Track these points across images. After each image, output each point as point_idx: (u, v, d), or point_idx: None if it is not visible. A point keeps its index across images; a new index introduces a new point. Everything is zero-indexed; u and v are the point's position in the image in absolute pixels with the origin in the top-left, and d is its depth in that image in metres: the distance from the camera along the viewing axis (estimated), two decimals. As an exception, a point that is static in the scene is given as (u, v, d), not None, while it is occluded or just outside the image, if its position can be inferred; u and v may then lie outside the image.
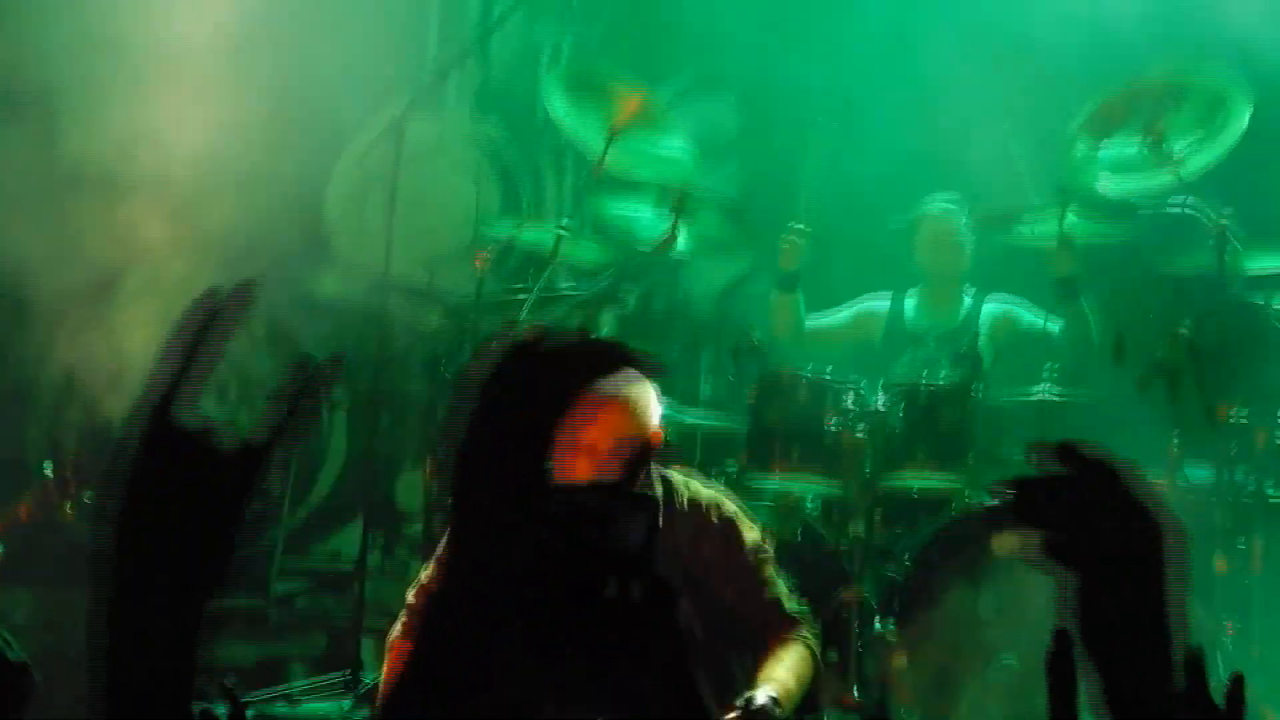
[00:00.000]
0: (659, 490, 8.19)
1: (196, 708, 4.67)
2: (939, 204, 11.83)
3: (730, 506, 8.43)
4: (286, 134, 11.96)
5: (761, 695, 7.86)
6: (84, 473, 10.48)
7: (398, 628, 8.44)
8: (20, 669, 4.88)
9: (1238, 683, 4.12)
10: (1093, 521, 3.01)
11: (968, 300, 11.82)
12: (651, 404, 8.12)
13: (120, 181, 11.74)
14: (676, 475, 8.47)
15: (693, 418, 11.31)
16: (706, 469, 9.92)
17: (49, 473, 10.30)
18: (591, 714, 3.20)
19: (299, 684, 11.58)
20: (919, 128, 12.42)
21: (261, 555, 12.94)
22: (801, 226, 11.87)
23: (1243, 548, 10.58)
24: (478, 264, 11.82)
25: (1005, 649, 10.03)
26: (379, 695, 8.93)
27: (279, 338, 13.14)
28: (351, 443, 13.44)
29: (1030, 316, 11.69)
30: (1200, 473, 10.79)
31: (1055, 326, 11.64)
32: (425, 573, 8.66)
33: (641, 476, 8.07)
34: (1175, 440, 10.75)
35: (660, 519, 3.28)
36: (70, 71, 12.10)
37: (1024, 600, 10.17)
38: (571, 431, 7.42)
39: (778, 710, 8.11)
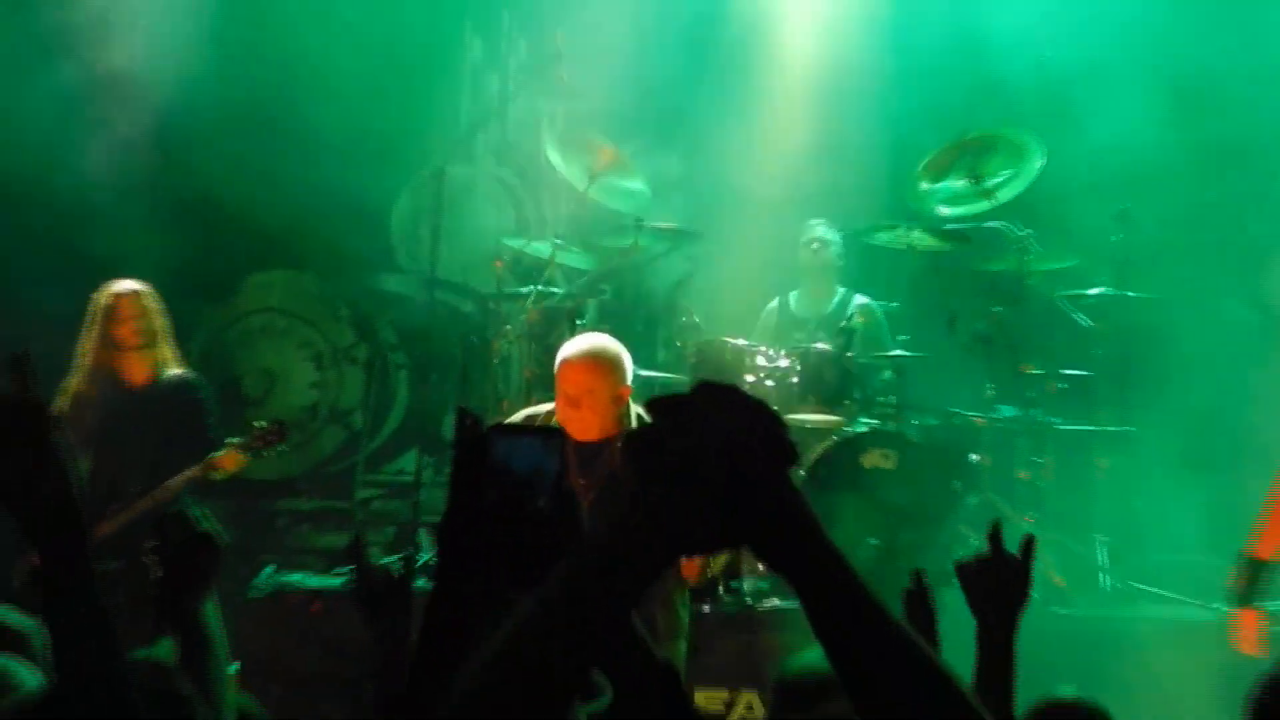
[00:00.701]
0: (634, 424, 8.30)
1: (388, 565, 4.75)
2: (817, 225, 12.17)
3: None
4: (365, 169, 12.49)
5: None
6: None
7: None
8: (211, 538, 4.86)
9: (1029, 543, 4.53)
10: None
11: (840, 294, 12.09)
12: (601, 358, 8.42)
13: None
14: (644, 410, 9.04)
15: (651, 374, 11.12)
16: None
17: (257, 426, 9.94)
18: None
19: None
20: (807, 170, 12.42)
21: (348, 471, 13.25)
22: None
23: (1039, 461, 11.30)
24: (498, 267, 12.04)
25: (870, 534, 10.56)
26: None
27: (359, 319, 13.58)
28: (411, 393, 13.50)
29: (881, 306, 12.07)
30: (1008, 410, 11.47)
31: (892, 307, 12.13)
32: None
33: (621, 419, 8.41)
34: (990, 388, 11.61)
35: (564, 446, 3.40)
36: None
37: (883, 500, 10.62)
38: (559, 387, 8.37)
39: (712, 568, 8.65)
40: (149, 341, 9.79)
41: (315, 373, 13.48)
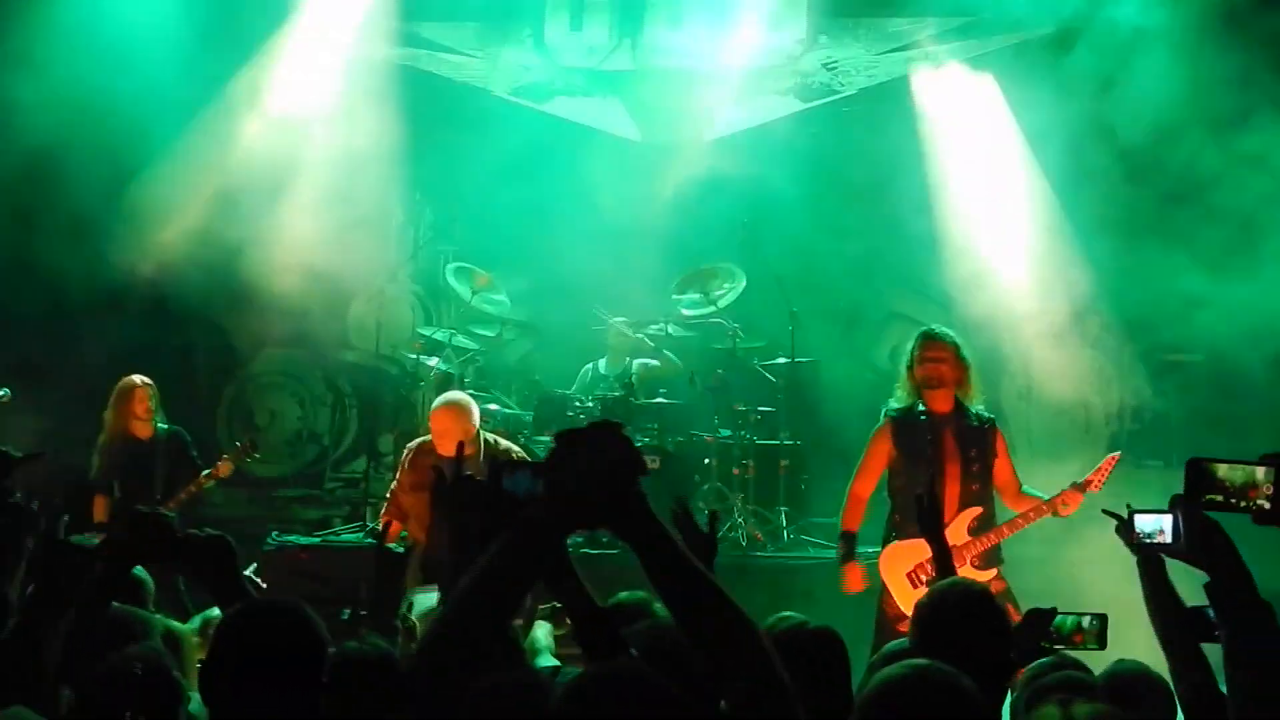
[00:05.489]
0: (482, 445, 8.38)
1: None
2: (617, 319, 12.03)
3: (516, 449, 8.76)
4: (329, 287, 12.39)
5: None
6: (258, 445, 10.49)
7: (385, 507, 8.82)
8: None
9: (714, 518, 4.48)
10: None
11: (626, 362, 11.90)
12: (457, 406, 8.45)
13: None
14: (492, 435, 8.81)
15: (510, 411, 11.55)
16: (513, 438, 9.93)
17: (238, 444, 10.22)
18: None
19: (339, 528, 11.53)
20: (606, 285, 12.16)
21: (321, 471, 13.49)
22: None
23: (745, 463, 11.24)
24: (416, 347, 12.04)
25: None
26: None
27: (327, 377, 13.70)
28: (359, 424, 13.54)
29: (654, 365, 11.94)
30: (725, 431, 11.44)
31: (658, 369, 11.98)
32: (393, 484, 8.91)
33: (478, 446, 8.31)
34: (716, 418, 11.48)
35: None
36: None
37: (650, 488, 11.45)
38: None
39: None
40: (153, 410, 9.98)
41: (300, 410, 13.73)
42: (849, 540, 8.07)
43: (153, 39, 11.33)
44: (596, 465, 2.71)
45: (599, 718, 2.67)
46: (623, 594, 4.80)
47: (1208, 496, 3.44)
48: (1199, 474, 3.48)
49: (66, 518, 4.45)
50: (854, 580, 7.96)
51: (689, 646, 2.78)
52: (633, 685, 2.72)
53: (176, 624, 4.89)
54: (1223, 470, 3.45)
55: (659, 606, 4.99)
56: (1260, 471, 3.40)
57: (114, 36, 11.33)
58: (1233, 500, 3.41)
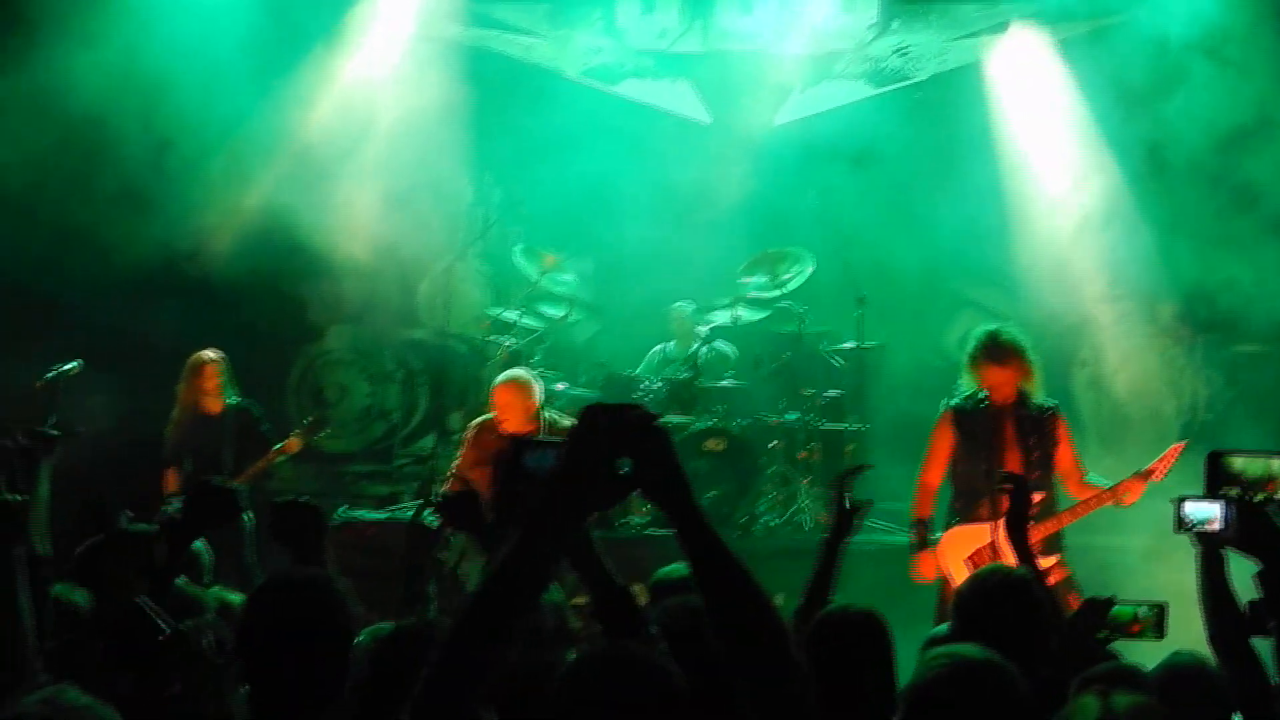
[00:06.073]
0: (545, 423, 8.71)
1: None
2: (682, 303, 12.21)
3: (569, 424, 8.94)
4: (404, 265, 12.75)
5: None
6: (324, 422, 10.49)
7: (449, 483, 8.95)
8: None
9: (860, 506, 4.92)
10: None
11: (695, 345, 11.84)
12: (520, 382, 8.76)
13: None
14: (555, 414, 9.03)
15: (578, 391, 11.43)
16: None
17: (307, 420, 10.23)
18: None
19: (407, 504, 11.54)
20: (674, 267, 12.31)
21: (389, 448, 13.45)
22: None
23: (811, 446, 11.40)
24: (484, 326, 12.20)
25: (711, 489, 10.60)
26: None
27: (397, 354, 13.71)
28: (428, 401, 13.53)
29: (724, 348, 12.03)
30: (792, 415, 11.45)
31: (733, 354, 12.10)
32: (457, 460, 9.13)
33: (535, 420, 8.72)
34: (782, 402, 11.48)
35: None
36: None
37: (717, 469, 10.88)
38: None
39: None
40: (223, 385, 10.10)
41: (369, 387, 13.70)
42: (921, 528, 8.19)
43: (225, 13, 11.46)
44: (626, 438, 2.72)
45: (594, 700, 2.73)
46: (664, 568, 5.03)
47: (1225, 489, 3.49)
48: (1217, 466, 3.52)
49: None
50: (926, 568, 8.11)
51: (707, 626, 2.78)
52: (628, 667, 2.79)
53: (233, 595, 4.95)
54: (1240, 462, 3.50)
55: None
56: (1277, 463, 3.45)
57: (184, 10, 11.47)
58: (1249, 493, 3.46)
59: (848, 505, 4.98)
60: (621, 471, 2.72)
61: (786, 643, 2.73)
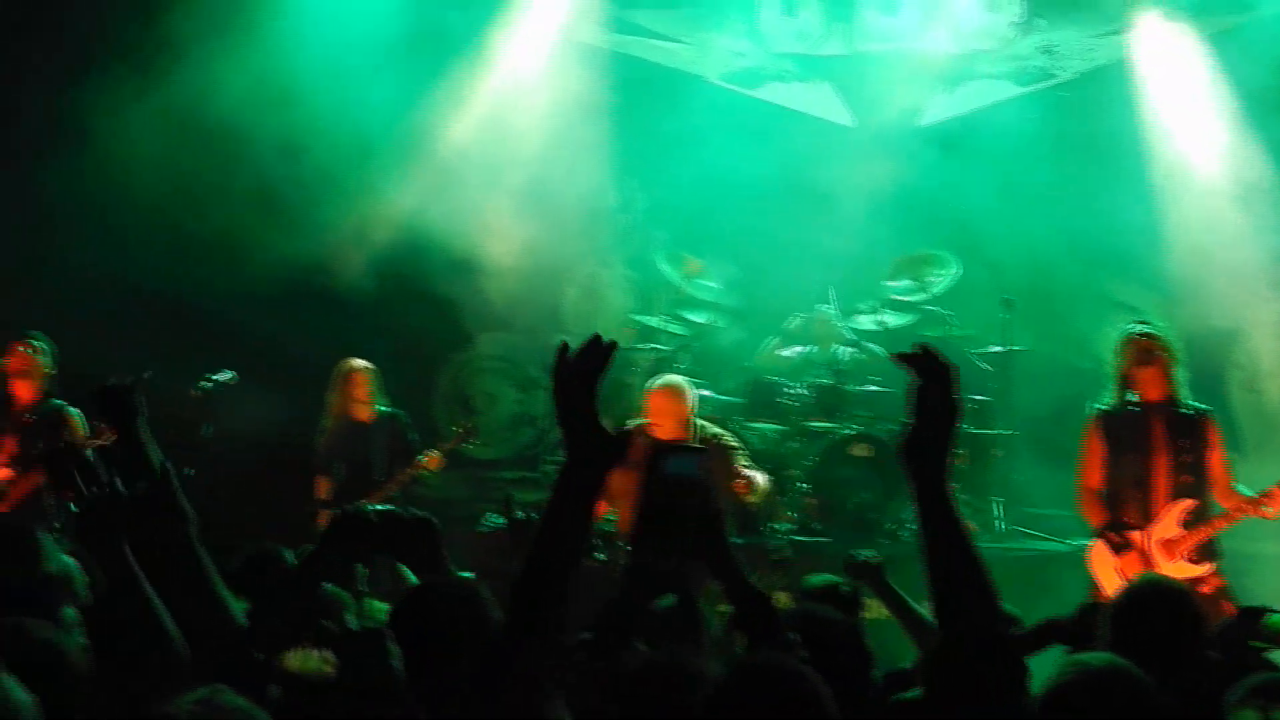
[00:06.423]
0: (695, 430, 8.70)
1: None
2: (827, 307, 11.98)
3: (728, 435, 9.07)
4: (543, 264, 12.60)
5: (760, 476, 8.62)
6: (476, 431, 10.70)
7: None
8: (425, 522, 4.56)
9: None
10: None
11: (838, 349, 11.77)
12: (675, 390, 8.76)
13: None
14: (704, 421, 9.10)
15: (723, 397, 11.56)
16: (724, 423, 10.14)
17: (456, 430, 10.45)
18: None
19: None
20: (817, 272, 12.16)
21: (536, 454, 13.35)
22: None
23: (958, 452, 9.51)
24: (628, 333, 12.21)
25: (860, 492, 10.79)
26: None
27: (544, 361, 13.50)
28: None
29: (875, 349, 11.76)
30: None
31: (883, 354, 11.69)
32: None
33: (688, 428, 8.68)
34: None
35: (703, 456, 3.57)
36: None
37: (865, 474, 10.86)
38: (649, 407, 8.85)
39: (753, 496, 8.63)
40: (372, 393, 10.22)
41: (517, 394, 13.75)
42: (1111, 532, 7.88)
43: (364, 21, 11.67)
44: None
45: (745, 715, 2.80)
46: (813, 577, 5.11)
47: None
48: None
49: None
50: (1130, 568, 7.76)
51: (845, 637, 2.96)
52: (780, 681, 2.86)
53: (378, 605, 4.97)
54: None
55: (846, 590, 5.24)
56: None
57: (322, 19, 11.68)
58: None
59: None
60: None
61: (1001, 628, 2.95)
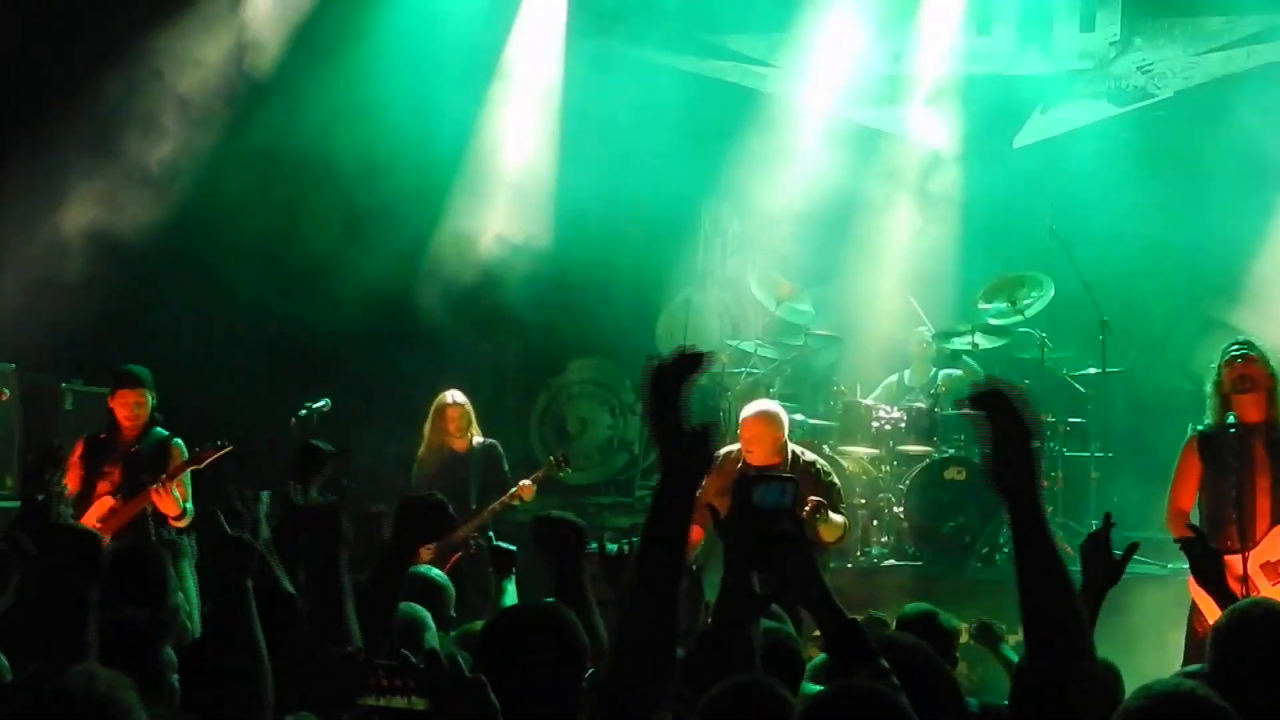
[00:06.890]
0: (789, 456, 8.61)
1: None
2: (920, 330, 12.04)
3: (821, 461, 8.93)
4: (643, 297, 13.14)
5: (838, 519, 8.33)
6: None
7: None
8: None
9: (1131, 548, 4.45)
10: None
11: (933, 372, 11.82)
12: (768, 415, 8.66)
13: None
14: (798, 447, 8.95)
15: (816, 422, 11.47)
16: (818, 448, 10.16)
17: (552, 458, 10.61)
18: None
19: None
20: (910, 296, 12.21)
21: (630, 479, 13.46)
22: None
23: (1053, 474, 11.13)
24: (722, 357, 11.93)
25: (954, 517, 10.77)
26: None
27: (636, 385, 13.08)
28: None
29: (959, 376, 11.64)
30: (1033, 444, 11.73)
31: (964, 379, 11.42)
32: (699, 490, 9.58)
33: (781, 452, 8.60)
34: None
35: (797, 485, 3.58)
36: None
37: (958, 498, 10.85)
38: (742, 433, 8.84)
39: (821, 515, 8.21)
40: (465, 427, 10.36)
41: (610, 419, 13.93)
42: (1199, 541, 7.74)
43: (465, 45, 11.93)
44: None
45: None
46: (910, 605, 5.18)
47: None
48: None
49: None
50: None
51: (933, 663, 3.03)
52: (874, 705, 2.89)
53: (474, 624, 5.07)
54: None
55: (945, 618, 5.33)
56: None
57: (425, 43, 11.89)
58: None
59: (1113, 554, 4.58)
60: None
61: (1088, 633, 2.95)
